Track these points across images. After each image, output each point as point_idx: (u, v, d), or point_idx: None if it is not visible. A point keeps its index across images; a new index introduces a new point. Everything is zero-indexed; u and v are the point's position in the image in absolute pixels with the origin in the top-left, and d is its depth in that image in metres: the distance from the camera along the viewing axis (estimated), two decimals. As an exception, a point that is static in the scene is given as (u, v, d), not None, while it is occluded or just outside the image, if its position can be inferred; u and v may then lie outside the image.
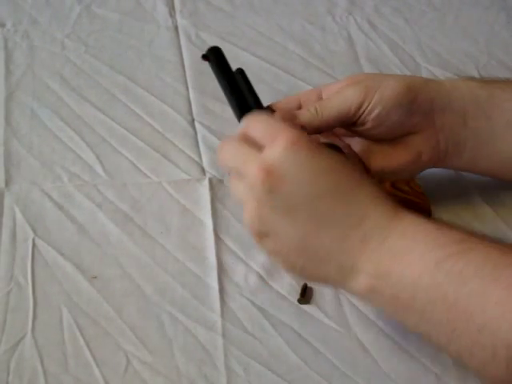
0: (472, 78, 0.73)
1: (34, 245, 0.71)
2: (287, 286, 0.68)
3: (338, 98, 0.69)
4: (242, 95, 0.71)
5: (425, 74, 0.89)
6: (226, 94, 0.72)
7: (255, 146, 0.60)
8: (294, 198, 0.58)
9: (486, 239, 0.57)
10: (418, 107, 0.69)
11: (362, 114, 0.68)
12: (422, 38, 0.94)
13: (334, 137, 0.72)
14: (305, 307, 0.67)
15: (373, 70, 0.90)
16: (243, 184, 0.60)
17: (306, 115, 0.68)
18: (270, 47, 0.93)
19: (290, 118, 0.68)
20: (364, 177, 0.61)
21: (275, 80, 0.88)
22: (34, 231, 0.72)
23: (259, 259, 0.70)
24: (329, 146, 0.66)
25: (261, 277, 0.69)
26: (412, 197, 0.74)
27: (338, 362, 0.63)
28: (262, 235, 0.60)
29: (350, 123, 0.69)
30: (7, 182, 0.76)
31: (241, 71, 0.72)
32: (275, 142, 0.58)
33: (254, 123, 0.63)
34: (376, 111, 0.68)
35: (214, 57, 0.73)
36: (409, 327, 0.59)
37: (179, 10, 0.97)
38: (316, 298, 0.68)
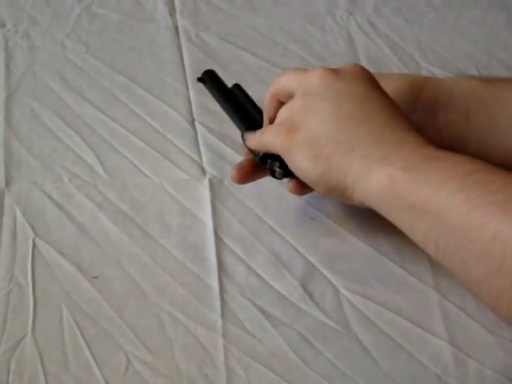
0: (473, 77, 0.74)
1: (34, 245, 0.71)
2: (288, 286, 0.68)
3: None
4: (241, 107, 0.72)
5: (425, 74, 0.89)
6: (225, 109, 0.73)
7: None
8: (343, 96, 0.63)
9: None
10: (421, 104, 0.69)
11: None
12: (422, 38, 0.94)
13: None
14: (305, 307, 0.67)
15: (373, 70, 0.88)
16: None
17: None
18: (270, 47, 0.93)
19: None
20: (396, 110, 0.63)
21: (275, 80, 0.88)
22: (35, 231, 0.72)
23: (260, 259, 0.70)
24: None
25: (261, 277, 0.69)
26: None
27: (337, 362, 0.63)
28: (294, 128, 0.63)
29: None
30: (7, 182, 0.76)
31: (237, 86, 0.73)
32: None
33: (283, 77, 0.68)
34: None
35: (209, 78, 0.74)
36: (415, 235, 0.58)
37: (179, 10, 0.97)
38: (316, 297, 0.68)
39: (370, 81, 0.65)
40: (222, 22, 0.96)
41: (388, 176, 0.58)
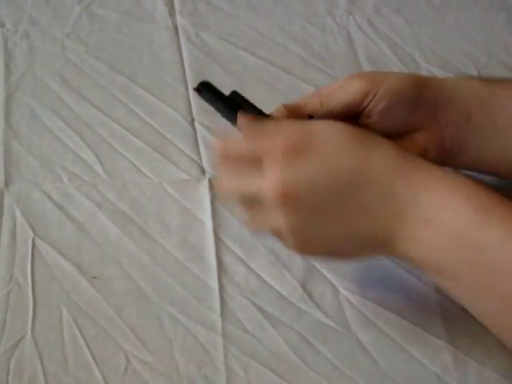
0: (473, 77, 0.74)
1: (33, 245, 0.71)
2: (287, 286, 0.68)
3: (342, 90, 0.69)
4: (240, 108, 0.71)
5: (425, 74, 0.89)
6: (224, 113, 0.73)
7: (251, 162, 0.60)
8: (316, 207, 0.58)
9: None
10: (423, 103, 0.69)
11: (368, 104, 0.68)
12: (421, 38, 0.94)
13: None
14: (305, 307, 0.67)
15: (373, 69, 0.90)
16: (262, 211, 0.60)
17: (310, 107, 0.69)
18: (270, 47, 0.93)
19: (296, 110, 0.68)
20: (370, 145, 0.60)
21: (275, 80, 0.88)
22: (34, 231, 0.72)
23: (259, 259, 0.70)
24: None
25: (261, 277, 0.69)
26: None
27: (337, 362, 0.63)
28: (305, 246, 0.61)
29: (355, 114, 0.69)
30: (7, 182, 0.76)
31: (235, 92, 0.73)
32: (271, 158, 0.58)
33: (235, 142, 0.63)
34: (382, 103, 0.68)
35: (205, 88, 0.74)
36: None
37: (179, 10, 0.97)
38: (316, 297, 0.68)
39: (308, 161, 0.58)
40: (222, 22, 0.96)
41: (400, 252, 0.58)
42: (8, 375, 0.62)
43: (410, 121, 0.69)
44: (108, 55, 0.91)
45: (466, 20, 0.97)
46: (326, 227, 0.59)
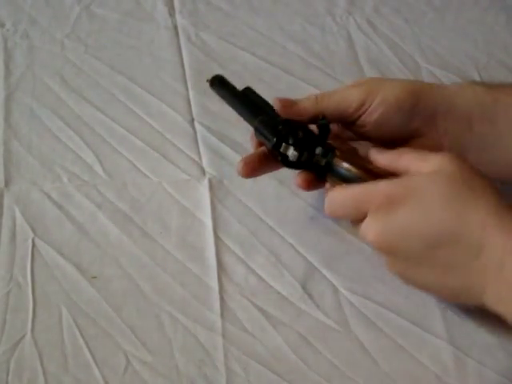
0: (476, 82, 0.73)
1: (33, 245, 0.71)
2: (287, 286, 0.68)
3: (340, 94, 0.69)
4: (253, 102, 0.71)
5: (425, 74, 0.89)
6: (235, 106, 0.73)
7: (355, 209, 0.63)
8: (408, 258, 0.61)
9: None
10: (420, 112, 0.69)
11: (362, 114, 0.68)
12: (421, 38, 0.94)
13: (341, 140, 0.72)
14: (305, 307, 0.67)
15: (373, 69, 0.90)
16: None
17: (305, 102, 0.69)
18: (270, 47, 0.93)
19: (289, 104, 0.69)
20: (468, 196, 0.60)
21: (275, 80, 0.88)
22: (34, 231, 0.72)
23: (259, 259, 0.70)
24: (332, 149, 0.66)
25: (261, 277, 0.69)
26: None
27: (337, 362, 0.63)
28: (408, 283, 0.64)
29: (348, 121, 0.69)
30: (7, 182, 0.76)
31: (248, 88, 0.73)
32: (372, 211, 0.61)
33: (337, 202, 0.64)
34: (377, 114, 0.68)
35: (218, 81, 0.74)
36: None
37: (179, 10, 0.97)
38: (316, 297, 0.68)
39: (450, 184, 0.60)
40: (222, 22, 0.96)
41: (492, 309, 0.58)
42: (8, 375, 0.62)
43: (406, 129, 0.69)
44: (108, 55, 0.91)
45: (466, 20, 0.97)
46: (420, 276, 0.62)
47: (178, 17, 0.96)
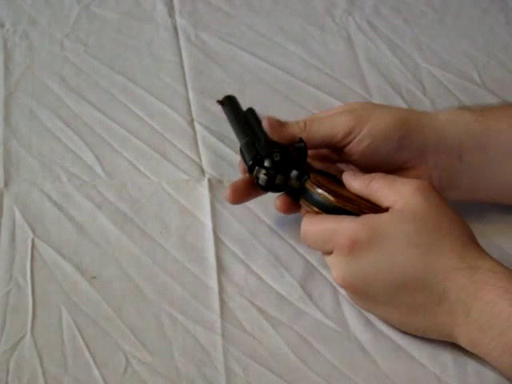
0: (466, 108, 0.72)
1: (33, 245, 0.71)
2: (287, 286, 0.68)
3: (328, 121, 0.69)
4: (248, 125, 0.72)
5: (424, 74, 0.89)
6: (233, 128, 0.75)
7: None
8: (369, 299, 0.63)
9: None
10: (409, 145, 0.68)
11: (349, 143, 0.68)
12: (421, 39, 0.94)
13: (329, 163, 0.72)
14: (304, 307, 0.67)
15: (372, 69, 0.90)
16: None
17: (293, 126, 0.69)
18: (270, 47, 0.93)
19: (279, 126, 0.69)
20: (433, 239, 0.60)
21: (275, 80, 0.88)
22: (34, 231, 0.72)
23: (259, 259, 0.70)
24: (323, 173, 0.66)
25: (260, 277, 0.69)
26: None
27: (337, 363, 0.63)
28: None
29: (335, 148, 0.69)
30: (6, 183, 0.76)
31: (250, 109, 0.74)
32: (336, 251, 0.62)
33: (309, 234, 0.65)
34: (364, 144, 0.68)
35: (229, 102, 0.75)
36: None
37: (178, 10, 0.97)
38: (315, 298, 0.68)
39: (366, 259, 0.61)
40: (222, 22, 0.96)
41: (465, 348, 0.60)
42: (8, 375, 0.62)
43: (394, 161, 0.69)
44: (107, 55, 0.91)
45: (465, 20, 0.97)
46: (385, 314, 0.63)
47: (177, 17, 0.96)
